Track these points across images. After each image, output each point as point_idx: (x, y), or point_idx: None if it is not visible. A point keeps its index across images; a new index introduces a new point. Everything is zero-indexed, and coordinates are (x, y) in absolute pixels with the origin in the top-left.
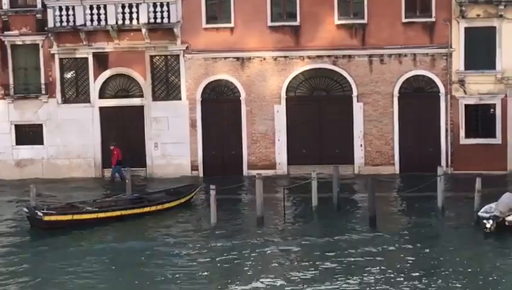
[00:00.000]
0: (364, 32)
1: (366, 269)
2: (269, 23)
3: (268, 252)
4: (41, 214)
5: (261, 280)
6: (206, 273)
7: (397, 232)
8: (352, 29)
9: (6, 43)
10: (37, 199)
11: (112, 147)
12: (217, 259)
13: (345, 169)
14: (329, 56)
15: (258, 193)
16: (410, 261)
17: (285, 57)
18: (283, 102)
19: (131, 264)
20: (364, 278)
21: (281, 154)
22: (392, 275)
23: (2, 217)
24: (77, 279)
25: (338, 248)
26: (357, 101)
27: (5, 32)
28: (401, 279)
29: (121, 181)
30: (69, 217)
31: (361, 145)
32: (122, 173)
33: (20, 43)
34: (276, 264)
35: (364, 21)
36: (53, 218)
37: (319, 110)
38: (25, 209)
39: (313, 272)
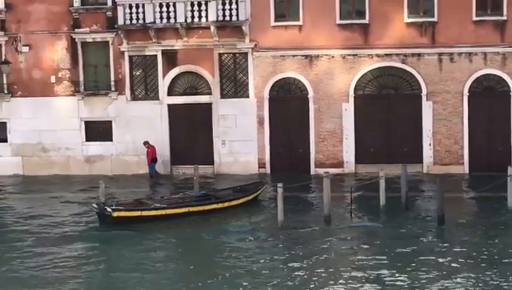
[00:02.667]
0: (434, 31)
1: (434, 267)
2: (338, 21)
3: (335, 249)
4: (110, 210)
5: (331, 279)
6: (272, 269)
7: (466, 232)
8: (421, 27)
9: (76, 40)
10: (106, 195)
11: (146, 145)
12: (284, 256)
13: (413, 168)
14: (398, 54)
15: (326, 192)
16: (480, 261)
17: (353, 55)
18: (351, 100)
19: (199, 260)
20: (434, 277)
21: (348, 152)
22: (459, 275)
23: (71, 213)
24: (146, 274)
25: (405, 247)
26: (426, 100)
27: (76, 30)
28: (472, 281)
29: (156, 178)
30: (137, 213)
31: (430, 144)
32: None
33: (90, 40)
34: (343, 263)
35: (434, 19)
36: (122, 214)
37: (388, 109)
38: (94, 205)
39: (382, 270)
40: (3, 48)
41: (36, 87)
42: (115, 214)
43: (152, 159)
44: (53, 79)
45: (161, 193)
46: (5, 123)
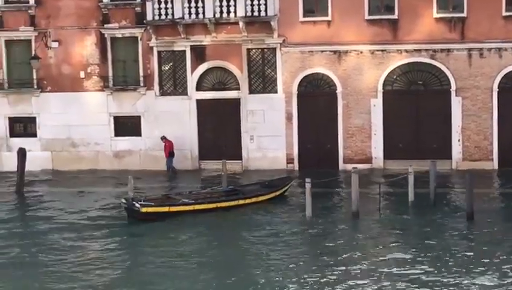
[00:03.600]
0: (463, 26)
1: (462, 262)
2: (367, 17)
3: (363, 245)
4: (138, 206)
5: (359, 274)
6: (300, 264)
7: (495, 229)
8: (451, 22)
9: (106, 35)
10: (135, 190)
11: (163, 140)
12: (312, 251)
13: (442, 164)
14: (427, 50)
15: (354, 187)
16: (509, 257)
17: (382, 50)
18: (380, 96)
19: (227, 254)
20: (461, 272)
21: (377, 148)
22: (487, 271)
23: (100, 208)
24: (173, 268)
25: (433, 242)
26: (456, 96)
27: (105, 25)
28: (501, 277)
29: (172, 173)
30: (165, 208)
31: (459, 140)
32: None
33: (119, 35)
34: (371, 258)
35: (464, 14)
36: (150, 209)
37: (417, 105)
38: (123, 201)
39: (410, 265)
40: (33, 43)
41: (65, 83)
42: (143, 209)
43: (169, 154)
44: (82, 74)
45: (181, 187)
46: (34, 118)
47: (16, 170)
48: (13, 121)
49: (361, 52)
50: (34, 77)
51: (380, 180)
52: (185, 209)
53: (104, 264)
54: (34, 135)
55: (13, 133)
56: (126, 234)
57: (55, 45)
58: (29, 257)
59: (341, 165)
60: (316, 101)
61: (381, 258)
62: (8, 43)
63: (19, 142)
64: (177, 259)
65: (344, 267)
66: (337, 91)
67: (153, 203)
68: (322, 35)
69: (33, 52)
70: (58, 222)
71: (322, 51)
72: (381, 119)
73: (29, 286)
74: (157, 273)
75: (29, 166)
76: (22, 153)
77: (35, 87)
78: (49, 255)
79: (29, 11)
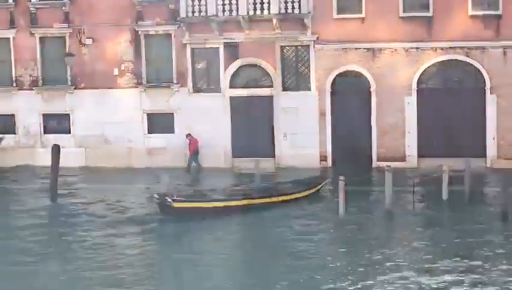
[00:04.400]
0: (498, 23)
1: (494, 261)
2: (401, 14)
3: (397, 243)
4: (171, 201)
5: (394, 274)
6: (334, 261)
7: None
8: (486, 20)
9: (140, 33)
10: (167, 186)
11: (188, 137)
12: (346, 249)
13: (477, 162)
14: (462, 48)
15: (387, 185)
16: None
17: (416, 48)
18: (414, 94)
19: (259, 251)
20: (492, 271)
21: (411, 146)
22: None
23: (133, 204)
24: (204, 266)
25: (466, 241)
26: (490, 94)
27: (139, 22)
28: None
29: (194, 171)
30: (197, 204)
31: (494, 138)
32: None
33: (153, 33)
34: (404, 255)
35: (499, 12)
36: (182, 205)
37: (451, 102)
38: (155, 196)
39: (443, 262)
40: (67, 40)
41: (99, 80)
42: (176, 204)
43: (194, 151)
44: (116, 71)
45: (214, 185)
46: (68, 115)
47: (49, 166)
48: (47, 118)
49: (395, 50)
50: (68, 74)
51: (413, 178)
52: (217, 206)
53: (135, 259)
54: (68, 132)
55: (47, 130)
56: (158, 229)
57: (89, 42)
58: (64, 251)
59: (374, 163)
60: (350, 99)
61: (415, 255)
62: (43, 40)
63: (52, 138)
64: (209, 254)
65: (379, 265)
66: (370, 89)
67: (185, 199)
68: (355, 33)
69: (67, 49)
70: (90, 218)
71: (356, 48)
72: (415, 117)
73: (63, 277)
74: (188, 269)
75: (63, 162)
76: (56, 150)
77: (69, 84)
78: (80, 249)
79: (64, 8)
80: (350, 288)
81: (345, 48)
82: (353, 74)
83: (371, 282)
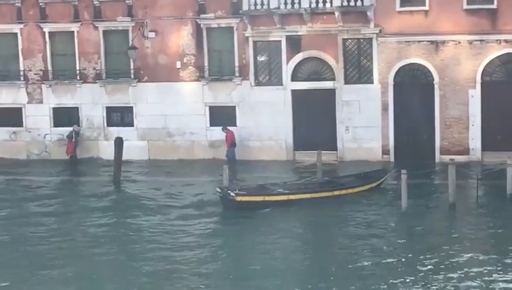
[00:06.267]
0: None
1: None
2: (465, 6)
3: (461, 237)
4: (233, 195)
5: (459, 266)
6: (398, 256)
7: None
8: None
9: (202, 26)
10: (230, 179)
11: (224, 130)
12: (409, 243)
13: None
14: None
15: (451, 179)
16: None
17: (480, 40)
18: (478, 87)
19: (322, 245)
20: None
21: (474, 139)
22: None
23: (195, 197)
24: (268, 259)
25: None
26: None
27: (201, 15)
28: None
29: (233, 163)
30: (260, 198)
31: None
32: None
33: (215, 26)
34: (469, 251)
35: None
36: (245, 198)
37: None
38: (218, 190)
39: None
40: (130, 34)
41: (162, 73)
42: (238, 198)
43: (231, 144)
44: (178, 64)
45: (275, 178)
46: (131, 108)
47: (112, 158)
48: (110, 111)
49: (459, 43)
50: (131, 67)
51: (477, 172)
52: (280, 199)
53: (196, 250)
54: (131, 125)
55: (110, 123)
56: (221, 223)
57: (152, 35)
58: (127, 243)
59: (438, 157)
60: (413, 92)
61: (479, 249)
62: (106, 33)
63: (115, 131)
64: (269, 248)
65: (442, 259)
66: (434, 82)
67: (247, 193)
68: (419, 25)
69: (130, 43)
70: (153, 210)
71: (419, 41)
72: (479, 110)
73: (127, 266)
74: (252, 263)
75: (125, 155)
76: (119, 142)
77: (132, 77)
78: (143, 240)
79: (127, 2)
80: (421, 282)
81: (408, 41)
82: (416, 67)
83: (436, 276)
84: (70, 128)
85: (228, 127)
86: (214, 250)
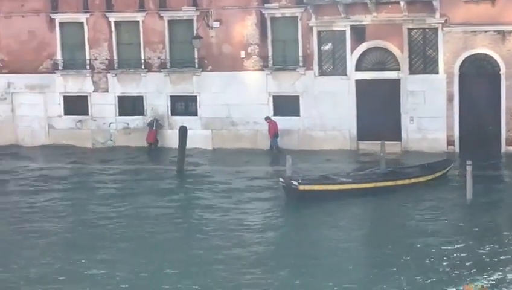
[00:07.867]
0: None
1: None
2: None
3: None
4: (296, 184)
5: None
6: (463, 249)
7: None
8: None
9: (266, 15)
10: (293, 169)
11: (267, 121)
12: (473, 236)
13: None
14: None
15: None
16: None
17: None
18: None
19: (385, 236)
20: None
21: None
22: None
23: (259, 186)
24: (331, 253)
25: None
26: None
27: (266, 5)
28: None
29: (276, 152)
30: (323, 187)
31: None
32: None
33: (279, 15)
34: None
35: None
36: (308, 188)
37: None
38: (281, 179)
39: None
40: (195, 23)
41: (226, 62)
42: (301, 187)
43: (274, 134)
44: (243, 54)
45: (339, 168)
46: (195, 97)
47: (177, 147)
48: (175, 100)
49: None
50: (196, 56)
51: None
52: (343, 189)
53: (262, 243)
54: (195, 114)
55: (174, 112)
56: (284, 212)
57: (216, 24)
58: (190, 231)
59: (503, 148)
60: (478, 82)
61: None
62: (171, 22)
63: (179, 120)
64: (339, 238)
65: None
66: (500, 72)
67: (310, 182)
68: (485, 15)
69: (195, 32)
70: (217, 199)
71: (486, 31)
72: None
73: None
74: (316, 254)
75: (189, 144)
76: (183, 131)
77: (197, 66)
78: (202, 231)
79: None
80: (484, 275)
81: (474, 31)
82: (482, 57)
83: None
84: (146, 117)
85: (271, 117)
86: (274, 241)
